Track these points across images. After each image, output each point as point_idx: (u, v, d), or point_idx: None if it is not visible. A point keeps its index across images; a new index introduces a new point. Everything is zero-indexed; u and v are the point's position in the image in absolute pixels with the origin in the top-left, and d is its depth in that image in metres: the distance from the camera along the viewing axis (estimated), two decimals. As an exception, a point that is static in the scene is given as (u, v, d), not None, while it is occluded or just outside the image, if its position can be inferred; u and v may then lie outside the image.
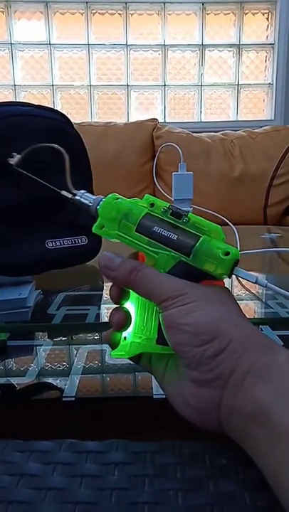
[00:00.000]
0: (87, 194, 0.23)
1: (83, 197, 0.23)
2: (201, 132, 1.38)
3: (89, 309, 0.39)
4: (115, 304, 0.22)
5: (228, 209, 1.27)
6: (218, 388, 0.17)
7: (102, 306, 0.42)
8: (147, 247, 0.20)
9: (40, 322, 0.37)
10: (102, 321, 0.38)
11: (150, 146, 1.33)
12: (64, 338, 0.34)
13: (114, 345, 0.21)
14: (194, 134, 1.35)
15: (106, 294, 0.45)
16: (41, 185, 0.42)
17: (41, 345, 0.32)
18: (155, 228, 0.20)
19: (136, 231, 0.20)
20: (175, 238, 0.20)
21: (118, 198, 0.22)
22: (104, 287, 0.48)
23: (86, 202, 0.23)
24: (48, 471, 0.18)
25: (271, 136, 1.35)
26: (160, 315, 0.19)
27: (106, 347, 0.31)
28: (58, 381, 0.27)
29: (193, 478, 0.17)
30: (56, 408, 0.25)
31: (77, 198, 0.23)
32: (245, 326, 0.18)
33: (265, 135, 1.35)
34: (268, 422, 0.16)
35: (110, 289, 0.21)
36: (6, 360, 0.30)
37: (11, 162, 0.27)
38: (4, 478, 0.17)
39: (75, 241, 0.46)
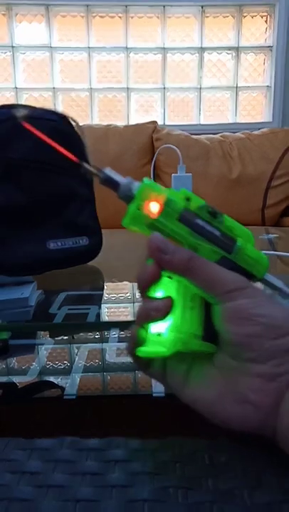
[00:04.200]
0: (115, 172, 0.20)
1: (112, 173, 0.20)
2: (200, 134, 1.39)
3: (90, 309, 0.39)
4: (143, 288, 0.19)
5: (227, 210, 1.26)
6: (282, 383, 0.17)
7: (102, 305, 0.42)
8: (190, 238, 0.19)
9: (41, 321, 0.37)
10: (103, 320, 0.38)
11: (150, 148, 1.34)
12: (65, 337, 0.34)
13: (140, 342, 0.19)
14: (193, 136, 1.36)
15: (106, 294, 0.45)
16: (41, 186, 0.42)
17: (42, 344, 0.32)
18: (198, 221, 0.19)
19: (178, 220, 0.19)
20: (218, 234, 0.19)
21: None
22: (105, 287, 0.48)
23: (117, 179, 0.20)
24: (49, 468, 0.18)
25: (269, 138, 1.36)
26: (217, 307, 0.18)
27: (106, 346, 0.31)
28: (59, 379, 0.27)
29: (193, 476, 0.17)
30: (57, 406, 0.25)
31: (106, 172, 0.20)
32: None
33: (264, 137, 1.36)
34: None
35: (143, 270, 0.19)
36: (8, 359, 0.30)
37: (18, 115, 0.24)
38: (5, 476, 0.18)
39: (76, 241, 0.46)
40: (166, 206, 0.19)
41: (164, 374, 0.20)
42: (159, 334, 0.19)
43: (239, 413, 0.17)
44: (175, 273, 0.19)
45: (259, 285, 0.20)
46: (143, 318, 0.19)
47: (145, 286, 0.19)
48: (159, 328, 0.19)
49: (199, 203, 0.20)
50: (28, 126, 0.22)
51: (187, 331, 0.19)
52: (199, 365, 0.19)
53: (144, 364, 0.20)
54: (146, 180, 0.20)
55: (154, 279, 0.19)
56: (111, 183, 0.20)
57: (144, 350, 0.19)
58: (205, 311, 0.19)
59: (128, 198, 0.19)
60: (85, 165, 0.20)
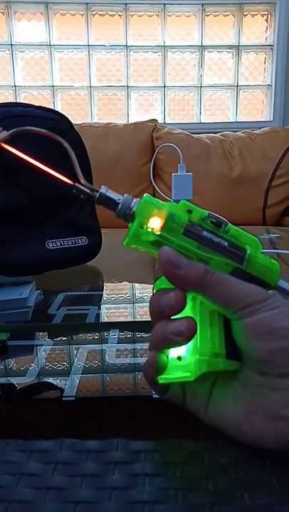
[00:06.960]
0: (111, 191, 0.19)
1: (109, 192, 0.19)
2: (200, 133, 1.38)
3: (89, 309, 0.39)
4: (165, 317, 0.17)
5: (228, 210, 1.28)
6: None
7: (102, 306, 0.42)
8: (199, 252, 0.18)
9: (40, 322, 0.37)
10: (102, 320, 0.38)
11: (150, 147, 1.34)
12: (64, 338, 0.34)
13: (161, 369, 0.18)
14: (194, 135, 1.35)
15: (106, 294, 0.46)
16: (40, 186, 0.42)
17: (41, 345, 0.32)
18: (204, 233, 0.18)
19: (184, 234, 0.18)
20: (226, 244, 0.18)
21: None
22: (105, 287, 0.48)
23: (114, 198, 0.19)
24: (49, 470, 0.18)
25: (270, 137, 1.35)
26: (237, 323, 0.17)
27: (106, 347, 0.31)
28: (58, 381, 0.27)
29: (193, 477, 0.17)
30: (56, 408, 0.25)
31: (102, 191, 0.19)
32: None
33: (264, 136, 1.36)
34: None
35: (163, 296, 0.17)
36: (6, 360, 0.30)
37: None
38: (4, 478, 0.17)
39: (75, 241, 0.46)
40: (170, 221, 0.18)
41: (183, 396, 0.19)
42: (179, 357, 0.18)
43: (271, 430, 0.17)
44: (190, 289, 0.18)
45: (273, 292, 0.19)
46: (162, 343, 0.18)
47: (170, 315, 0.17)
48: (178, 351, 0.18)
49: (201, 214, 0.19)
50: (8, 147, 0.21)
51: (210, 351, 0.18)
52: (222, 383, 0.18)
53: (162, 389, 0.19)
54: (145, 196, 0.19)
55: (182, 307, 0.17)
56: (108, 203, 0.19)
57: (166, 377, 0.18)
58: (224, 327, 0.18)
59: (128, 216, 0.19)
60: (79, 186, 0.19)
